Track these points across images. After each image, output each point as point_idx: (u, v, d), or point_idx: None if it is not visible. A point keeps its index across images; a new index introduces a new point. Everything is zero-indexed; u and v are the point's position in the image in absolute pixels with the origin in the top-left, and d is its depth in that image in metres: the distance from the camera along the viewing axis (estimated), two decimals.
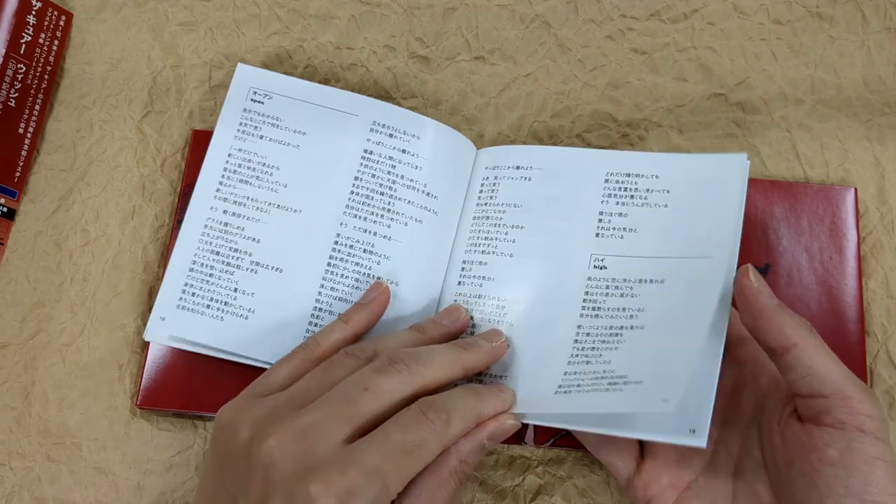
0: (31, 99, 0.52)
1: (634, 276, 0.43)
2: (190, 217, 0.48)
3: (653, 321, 0.41)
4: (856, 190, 0.49)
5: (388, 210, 0.48)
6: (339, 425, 0.36)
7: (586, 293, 0.44)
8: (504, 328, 0.44)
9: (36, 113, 0.52)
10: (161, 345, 0.47)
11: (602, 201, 0.46)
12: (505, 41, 0.55)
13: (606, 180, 0.46)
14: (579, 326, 0.43)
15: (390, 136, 0.49)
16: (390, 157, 0.48)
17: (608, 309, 0.43)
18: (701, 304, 0.40)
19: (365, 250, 0.47)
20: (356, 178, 0.48)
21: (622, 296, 0.43)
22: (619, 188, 0.46)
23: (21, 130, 0.51)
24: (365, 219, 0.48)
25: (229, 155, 0.49)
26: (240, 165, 0.49)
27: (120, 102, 0.54)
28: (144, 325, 0.49)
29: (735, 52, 0.54)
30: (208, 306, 0.47)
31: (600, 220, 0.45)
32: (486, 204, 0.48)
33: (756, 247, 0.48)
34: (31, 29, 0.51)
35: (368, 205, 0.48)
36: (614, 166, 0.46)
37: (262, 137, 0.49)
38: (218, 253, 0.47)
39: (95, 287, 0.50)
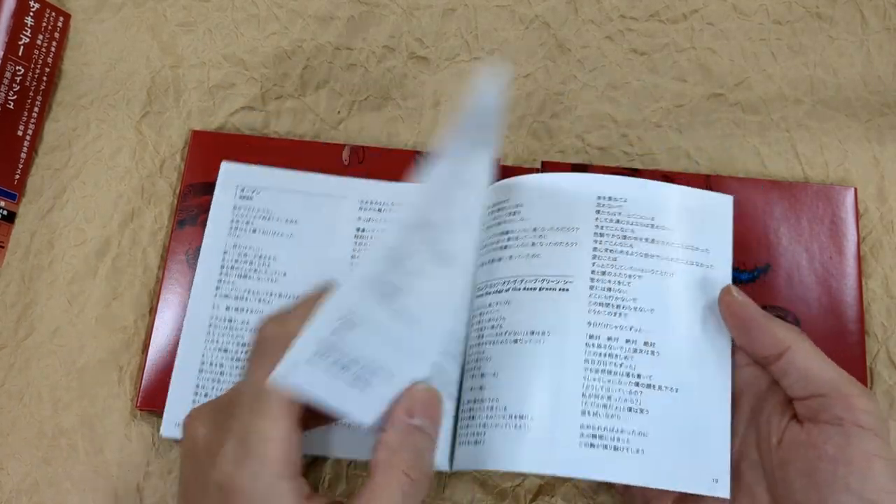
0: (29, 101, 0.52)
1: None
2: (192, 317, 0.47)
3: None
4: (856, 190, 0.49)
5: None
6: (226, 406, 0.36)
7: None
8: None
9: (35, 115, 0.52)
10: (162, 346, 0.47)
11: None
12: (504, 42, 0.55)
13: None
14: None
15: (379, 210, 0.49)
16: (382, 231, 0.48)
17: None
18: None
19: None
20: (352, 257, 0.48)
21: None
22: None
23: (20, 133, 0.51)
24: None
25: (225, 252, 0.48)
26: (237, 261, 0.48)
27: (118, 102, 0.54)
28: (145, 327, 0.49)
29: (734, 53, 0.54)
30: None
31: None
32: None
33: (756, 247, 0.48)
34: (29, 30, 0.51)
35: None
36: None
37: (254, 231, 0.49)
38: (226, 350, 0.47)
39: (94, 289, 0.50)
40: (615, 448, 0.40)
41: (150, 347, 0.47)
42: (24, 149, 0.51)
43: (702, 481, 0.40)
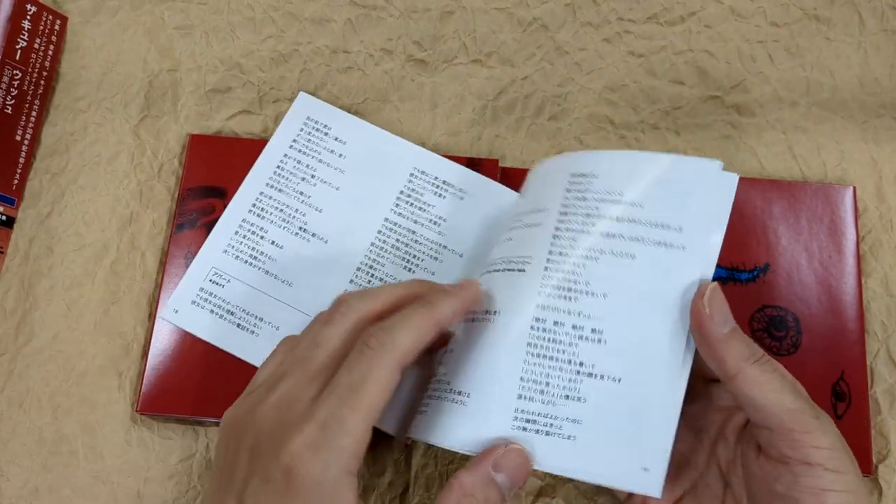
0: (27, 105, 0.51)
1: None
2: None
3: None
4: (854, 188, 0.49)
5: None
6: (303, 388, 0.36)
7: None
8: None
9: (33, 119, 0.52)
10: (162, 350, 0.47)
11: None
12: (502, 44, 0.55)
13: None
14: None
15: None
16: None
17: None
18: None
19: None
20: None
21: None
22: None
23: (18, 137, 0.51)
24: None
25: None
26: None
27: (115, 106, 0.53)
28: (144, 332, 0.49)
29: (731, 55, 0.54)
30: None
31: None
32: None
33: (755, 246, 0.49)
34: (27, 34, 0.51)
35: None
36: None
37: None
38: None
39: (93, 294, 0.50)
40: (546, 434, 0.37)
41: (150, 352, 0.47)
42: (23, 153, 0.51)
43: (632, 476, 0.37)
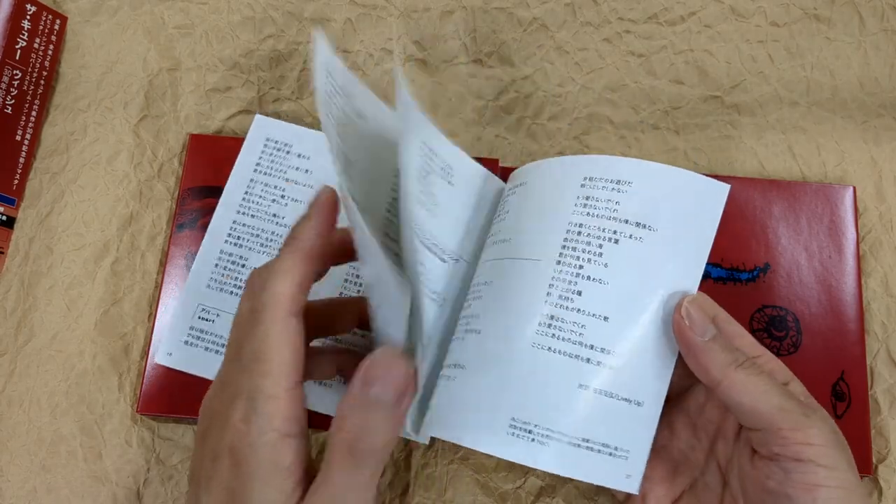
0: (27, 105, 0.51)
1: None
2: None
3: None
4: (854, 188, 0.49)
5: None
6: (230, 368, 0.37)
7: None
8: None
9: (33, 119, 0.52)
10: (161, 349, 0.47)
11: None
12: (503, 44, 0.55)
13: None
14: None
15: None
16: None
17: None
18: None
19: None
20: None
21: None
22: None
23: (18, 137, 0.51)
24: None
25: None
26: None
27: (115, 105, 0.53)
28: (144, 332, 0.49)
29: (731, 55, 0.54)
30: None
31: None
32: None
33: (755, 246, 0.49)
34: (26, 34, 0.51)
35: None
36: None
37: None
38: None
39: (93, 294, 0.50)
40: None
41: (150, 352, 0.47)
42: (23, 153, 0.51)
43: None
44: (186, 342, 0.48)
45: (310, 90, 0.54)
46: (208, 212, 0.49)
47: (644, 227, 0.40)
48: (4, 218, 0.50)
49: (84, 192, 0.52)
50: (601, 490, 0.46)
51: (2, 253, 0.50)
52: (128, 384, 0.48)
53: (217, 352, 0.47)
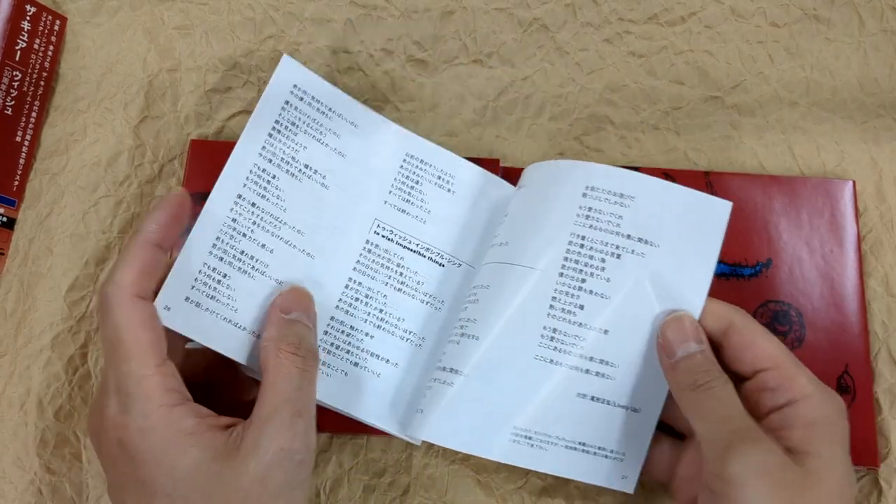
0: (27, 106, 0.51)
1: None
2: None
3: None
4: (854, 182, 0.50)
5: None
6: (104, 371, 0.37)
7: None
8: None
9: (33, 120, 0.52)
10: None
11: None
12: (503, 45, 0.55)
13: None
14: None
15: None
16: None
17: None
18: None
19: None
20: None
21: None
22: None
23: (18, 139, 0.51)
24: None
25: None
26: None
27: (115, 106, 0.53)
28: None
29: (731, 55, 0.54)
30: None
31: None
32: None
33: (757, 242, 0.49)
34: (26, 35, 0.51)
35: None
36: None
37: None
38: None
39: (94, 295, 0.50)
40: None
41: None
42: (23, 154, 0.51)
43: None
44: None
45: None
46: None
47: (646, 242, 0.42)
48: (5, 219, 0.50)
49: (84, 192, 0.52)
50: (602, 490, 0.46)
51: (2, 254, 0.50)
52: None
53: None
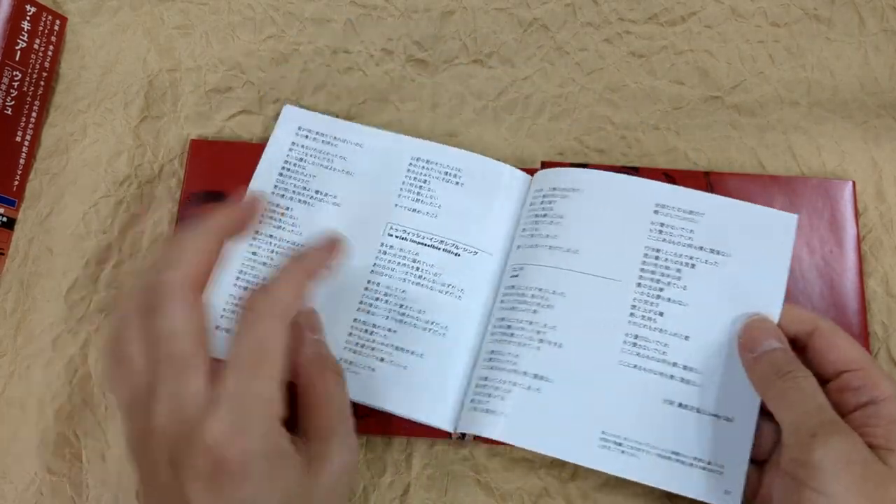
0: (27, 106, 0.51)
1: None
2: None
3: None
4: (853, 182, 0.50)
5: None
6: (186, 381, 0.34)
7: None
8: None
9: (33, 120, 0.52)
10: None
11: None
12: (503, 45, 0.55)
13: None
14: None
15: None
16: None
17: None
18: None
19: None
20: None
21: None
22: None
23: (18, 139, 0.51)
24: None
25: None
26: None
27: (115, 106, 0.53)
28: None
29: (732, 55, 0.54)
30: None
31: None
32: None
33: None
34: (26, 35, 0.51)
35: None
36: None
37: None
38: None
39: (94, 296, 0.50)
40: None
41: None
42: (23, 154, 0.51)
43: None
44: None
45: (311, 91, 0.54)
46: None
47: (718, 252, 0.45)
48: (4, 219, 0.50)
49: (84, 193, 0.52)
50: (602, 490, 0.46)
51: (2, 254, 0.50)
52: None
53: None
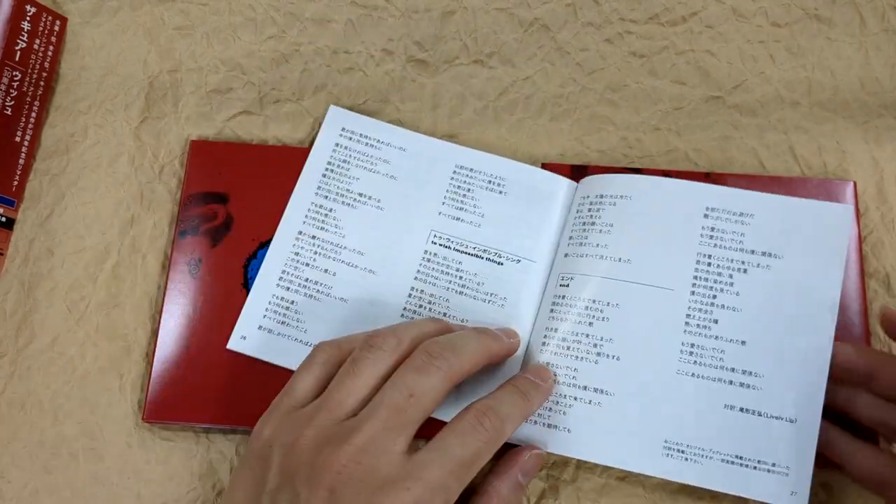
0: (27, 106, 0.51)
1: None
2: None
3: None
4: (854, 183, 0.49)
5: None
6: (394, 438, 0.36)
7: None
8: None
9: (32, 120, 0.52)
10: (166, 359, 0.47)
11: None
12: (504, 45, 0.54)
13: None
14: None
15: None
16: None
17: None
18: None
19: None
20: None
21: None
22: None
23: (17, 139, 0.51)
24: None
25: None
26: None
27: (116, 107, 0.53)
28: (145, 334, 0.49)
29: (733, 55, 0.54)
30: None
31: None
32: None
33: None
34: (26, 35, 0.51)
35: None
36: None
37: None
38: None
39: (94, 296, 0.50)
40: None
41: (155, 360, 0.47)
42: (23, 155, 0.51)
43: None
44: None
45: (311, 91, 0.54)
46: (211, 218, 0.49)
47: (770, 255, 0.45)
48: (4, 219, 0.50)
49: (85, 194, 0.52)
50: (603, 491, 0.46)
51: (1, 255, 0.50)
52: (128, 386, 0.48)
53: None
